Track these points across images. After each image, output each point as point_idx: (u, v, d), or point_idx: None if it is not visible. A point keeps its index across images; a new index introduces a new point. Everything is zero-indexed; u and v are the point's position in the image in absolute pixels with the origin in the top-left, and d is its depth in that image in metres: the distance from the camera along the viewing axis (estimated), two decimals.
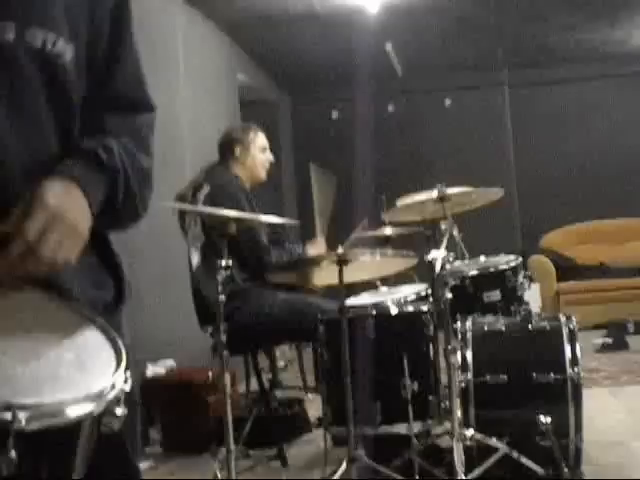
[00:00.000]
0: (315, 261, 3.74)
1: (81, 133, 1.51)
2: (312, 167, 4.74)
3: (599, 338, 7.37)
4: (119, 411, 1.14)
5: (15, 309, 1.25)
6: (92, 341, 1.25)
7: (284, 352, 6.61)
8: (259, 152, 4.57)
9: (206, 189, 4.28)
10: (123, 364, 1.20)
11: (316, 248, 4.61)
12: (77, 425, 1.09)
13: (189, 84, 6.41)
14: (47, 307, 1.30)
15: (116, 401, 1.14)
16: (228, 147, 4.54)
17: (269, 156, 4.62)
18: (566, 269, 9.04)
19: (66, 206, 1.32)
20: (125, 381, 1.17)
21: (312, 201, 4.61)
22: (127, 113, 1.59)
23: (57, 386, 1.10)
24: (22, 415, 1.01)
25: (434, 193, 3.85)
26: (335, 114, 10.20)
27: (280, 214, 7.95)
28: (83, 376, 1.15)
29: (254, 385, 4.75)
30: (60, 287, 1.36)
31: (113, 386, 1.15)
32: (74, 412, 1.07)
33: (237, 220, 3.51)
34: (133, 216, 1.57)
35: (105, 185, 1.43)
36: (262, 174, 4.61)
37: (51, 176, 1.36)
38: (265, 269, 4.16)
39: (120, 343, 1.25)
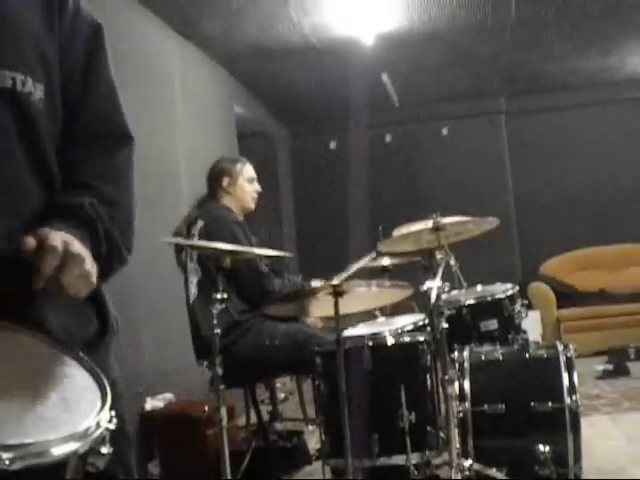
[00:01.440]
0: (311, 292, 3.74)
1: (63, 175, 1.55)
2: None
3: (600, 365, 7.34)
4: (104, 450, 1.14)
5: (0, 349, 1.26)
6: (77, 380, 1.26)
7: (285, 384, 6.60)
8: (247, 183, 4.61)
9: (200, 223, 4.30)
10: (108, 403, 1.20)
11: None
12: (62, 464, 1.10)
13: (186, 117, 6.43)
14: (32, 346, 1.30)
15: (101, 440, 1.14)
16: (216, 179, 4.58)
17: (257, 187, 4.66)
18: (566, 296, 9.03)
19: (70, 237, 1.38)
20: (110, 420, 1.17)
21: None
22: (105, 151, 1.62)
23: (42, 426, 1.10)
24: (5, 455, 1.01)
25: (429, 223, 3.87)
26: (333, 145, 10.21)
27: (280, 246, 7.97)
28: (68, 416, 1.15)
29: (254, 418, 4.74)
30: (42, 322, 1.37)
31: (98, 425, 1.15)
32: (58, 451, 1.07)
33: (234, 253, 3.52)
34: (118, 264, 1.60)
35: (87, 239, 1.47)
36: (251, 205, 4.65)
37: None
38: (268, 296, 4.17)
39: (105, 382, 1.25)
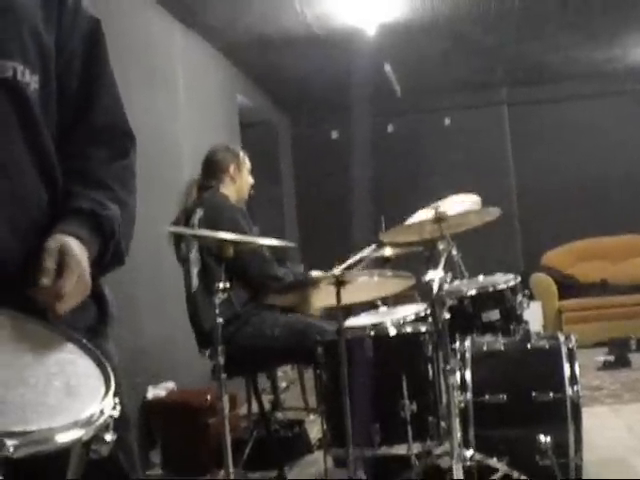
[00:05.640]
0: (313, 282, 3.74)
1: (72, 168, 1.56)
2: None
3: (601, 356, 7.34)
4: (108, 437, 1.15)
5: (3, 336, 1.26)
6: (81, 367, 1.26)
7: (286, 373, 6.61)
8: (247, 174, 4.61)
9: (199, 212, 4.25)
10: (112, 390, 1.20)
11: None
12: (65, 451, 1.10)
13: (189, 107, 6.43)
14: (36, 333, 1.31)
15: (105, 427, 1.15)
16: (222, 165, 4.54)
17: (251, 179, 4.67)
18: (568, 287, 9.03)
19: (85, 265, 1.42)
20: (114, 407, 1.18)
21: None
22: (118, 152, 1.64)
23: (45, 413, 1.11)
24: (10, 442, 1.01)
25: (431, 213, 3.86)
26: (335, 135, 10.20)
27: (281, 235, 7.98)
28: (72, 402, 1.15)
29: (256, 407, 4.74)
30: (43, 311, 1.38)
31: (102, 412, 1.15)
32: (62, 438, 1.07)
33: (237, 242, 3.51)
34: (117, 266, 1.64)
35: (99, 245, 1.51)
36: (246, 195, 4.65)
37: (58, 232, 1.44)
38: (273, 282, 4.14)
39: (109, 369, 1.26)
